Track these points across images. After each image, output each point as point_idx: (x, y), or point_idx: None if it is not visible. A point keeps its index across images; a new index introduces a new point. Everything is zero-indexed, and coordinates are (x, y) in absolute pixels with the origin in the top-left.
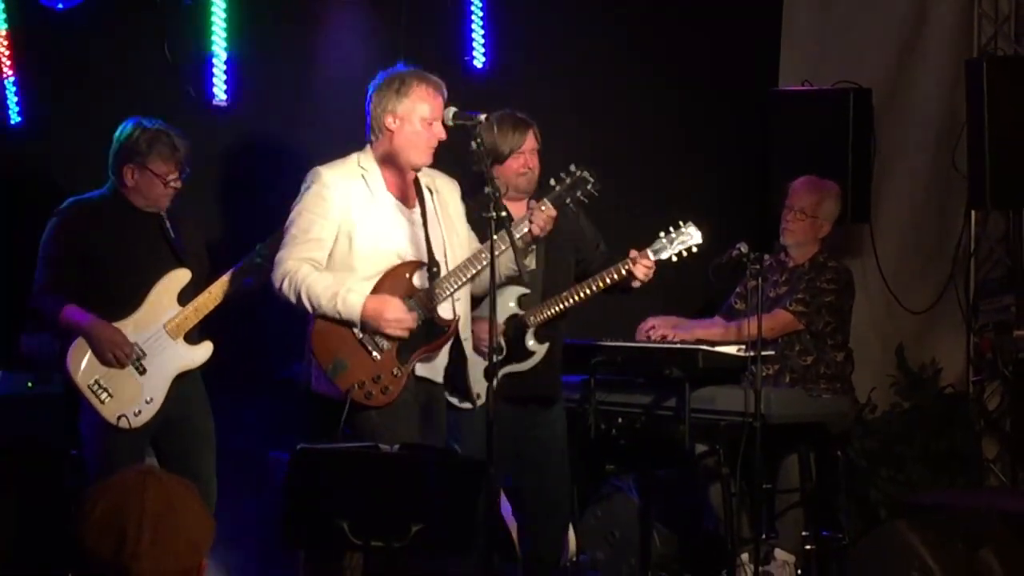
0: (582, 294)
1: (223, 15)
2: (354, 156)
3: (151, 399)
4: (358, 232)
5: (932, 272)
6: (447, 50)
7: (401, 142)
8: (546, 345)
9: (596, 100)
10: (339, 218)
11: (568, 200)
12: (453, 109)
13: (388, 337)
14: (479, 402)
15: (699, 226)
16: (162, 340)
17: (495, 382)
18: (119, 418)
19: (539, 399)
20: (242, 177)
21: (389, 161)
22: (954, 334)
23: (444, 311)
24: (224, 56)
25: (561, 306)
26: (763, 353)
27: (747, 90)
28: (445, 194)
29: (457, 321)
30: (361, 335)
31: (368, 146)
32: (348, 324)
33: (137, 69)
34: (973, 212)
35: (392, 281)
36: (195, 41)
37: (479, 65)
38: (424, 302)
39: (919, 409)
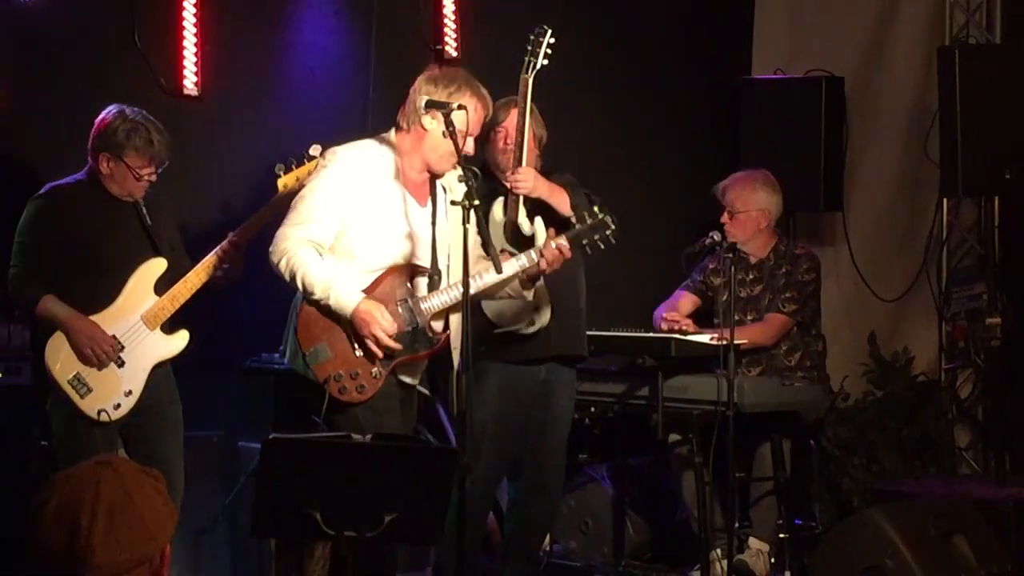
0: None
1: (193, 4)
2: (373, 141)
3: (130, 391)
4: (366, 221)
5: (904, 260)
6: (419, 37)
7: (430, 144)
8: (538, 219)
9: (568, 88)
10: (350, 202)
11: (585, 242)
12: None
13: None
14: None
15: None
16: (139, 331)
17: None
18: (99, 412)
19: (556, 357)
20: (212, 167)
21: (411, 155)
22: (926, 322)
23: (436, 322)
24: (195, 46)
25: None
26: (737, 342)
27: (720, 78)
28: (457, 195)
29: (448, 335)
30: (348, 330)
31: (394, 131)
32: (337, 317)
33: (107, 59)
34: (945, 200)
35: (391, 282)
36: (165, 31)
37: (451, 53)
38: (418, 310)
39: (891, 397)
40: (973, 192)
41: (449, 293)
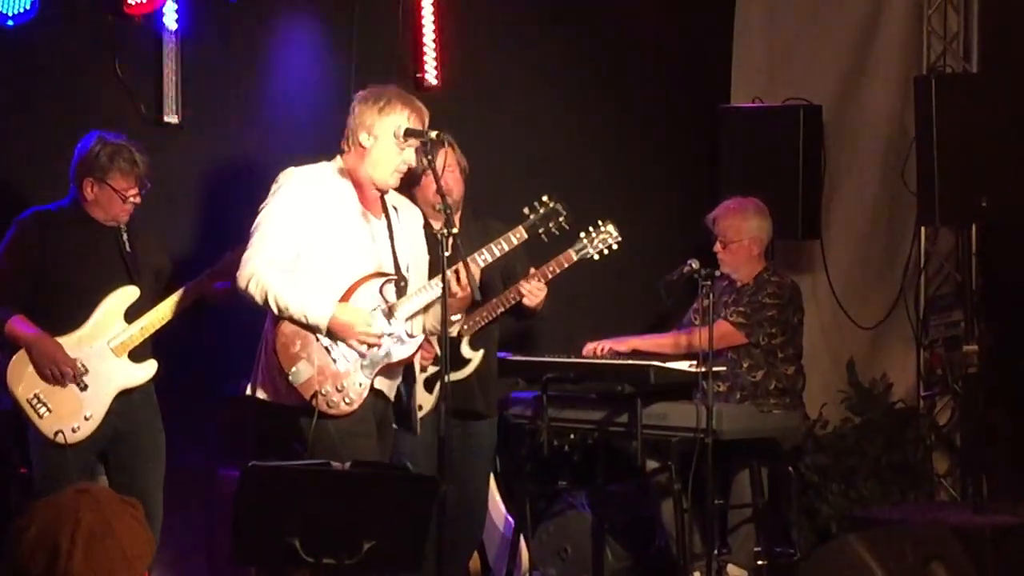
0: (506, 305)
1: (173, 33)
2: (325, 163)
3: (90, 415)
4: (325, 235)
5: (882, 288)
6: (398, 66)
7: (372, 160)
8: (481, 352)
9: (547, 117)
10: (308, 218)
11: (541, 231)
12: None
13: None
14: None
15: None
16: (105, 357)
17: (436, 393)
18: (56, 433)
19: (471, 412)
20: (193, 195)
21: (357, 175)
22: (904, 349)
23: (410, 326)
24: (175, 74)
25: (491, 315)
26: (714, 369)
27: (698, 107)
28: (408, 218)
29: (426, 337)
30: (327, 343)
31: (339, 156)
32: (313, 330)
33: (89, 87)
34: (923, 228)
35: (363, 291)
36: (146, 59)
37: (431, 80)
38: (393, 314)
39: (870, 424)
40: (950, 220)
41: (419, 296)
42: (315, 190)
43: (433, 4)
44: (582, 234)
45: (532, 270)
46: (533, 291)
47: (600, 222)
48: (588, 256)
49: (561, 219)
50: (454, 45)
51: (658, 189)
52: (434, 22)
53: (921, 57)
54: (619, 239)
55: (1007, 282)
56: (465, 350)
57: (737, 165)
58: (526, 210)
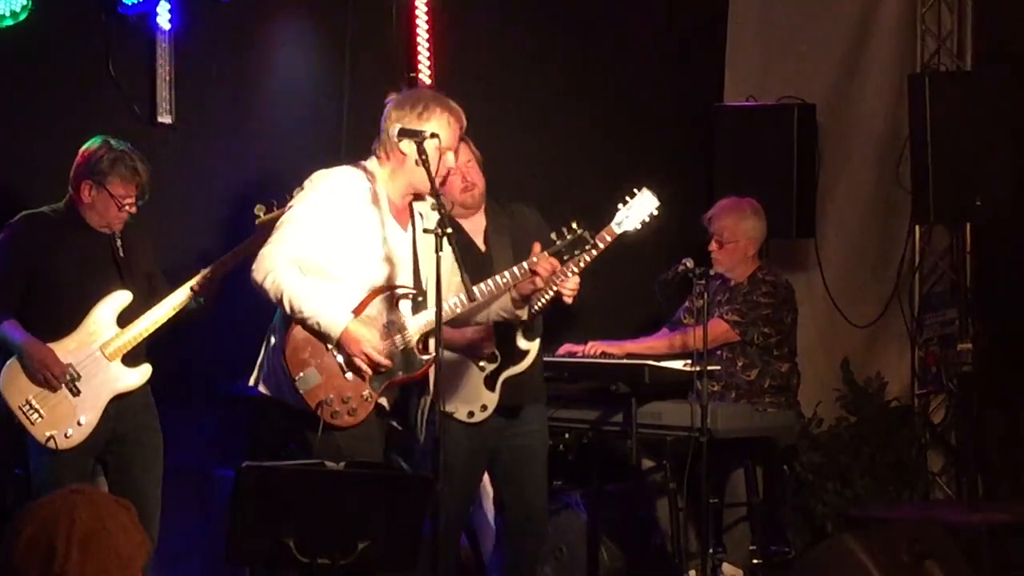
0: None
1: (167, 33)
2: (350, 167)
3: (83, 420)
4: (348, 241)
5: (877, 286)
6: (392, 66)
7: (412, 166)
8: (537, 341)
9: (541, 116)
10: (333, 223)
11: (566, 258)
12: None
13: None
14: (420, 436)
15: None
16: (98, 362)
17: (498, 391)
18: (48, 439)
19: (529, 400)
20: (186, 196)
21: (393, 180)
22: (899, 348)
23: (423, 343)
24: (168, 74)
25: (543, 300)
26: (709, 368)
27: (692, 106)
28: (430, 222)
29: (436, 357)
30: (337, 353)
31: (374, 159)
32: (323, 337)
33: (82, 87)
34: (917, 226)
35: (377, 304)
36: (139, 59)
37: (424, 81)
38: (405, 331)
39: (865, 423)
40: (944, 219)
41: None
42: (344, 195)
43: (427, 3)
44: (620, 206)
45: (571, 270)
46: (574, 289)
47: (636, 190)
48: (632, 228)
49: (588, 247)
50: (448, 44)
51: (652, 188)
52: (428, 21)
53: (915, 55)
54: (658, 204)
55: (1001, 280)
56: (521, 342)
57: (731, 164)
58: (553, 235)
